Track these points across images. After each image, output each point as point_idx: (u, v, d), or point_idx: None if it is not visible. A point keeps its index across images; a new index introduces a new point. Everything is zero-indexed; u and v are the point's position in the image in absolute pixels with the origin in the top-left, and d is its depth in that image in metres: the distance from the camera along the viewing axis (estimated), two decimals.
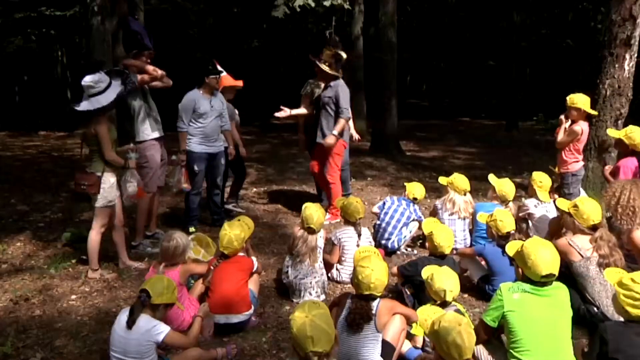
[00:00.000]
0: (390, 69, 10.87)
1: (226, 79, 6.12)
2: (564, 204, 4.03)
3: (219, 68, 5.67)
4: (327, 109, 5.87)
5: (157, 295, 3.02)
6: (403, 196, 5.55)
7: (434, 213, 5.45)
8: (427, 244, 4.17)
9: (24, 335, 3.66)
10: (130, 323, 2.93)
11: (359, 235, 4.59)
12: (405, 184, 5.81)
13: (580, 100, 5.18)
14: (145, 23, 10.12)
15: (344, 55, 5.93)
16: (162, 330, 2.98)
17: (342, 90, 5.78)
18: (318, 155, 6.14)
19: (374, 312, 3.04)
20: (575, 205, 3.84)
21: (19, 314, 3.97)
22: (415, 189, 5.52)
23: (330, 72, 5.82)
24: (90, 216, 6.33)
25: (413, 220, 5.30)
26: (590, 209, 3.77)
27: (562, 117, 5.43)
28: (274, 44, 21.24)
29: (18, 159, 10.61)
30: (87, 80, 4.25)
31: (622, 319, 2.81)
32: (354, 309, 3.03)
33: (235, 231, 3.86)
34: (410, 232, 5.29)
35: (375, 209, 5.47)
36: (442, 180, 5.64)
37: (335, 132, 5.79)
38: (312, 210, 4.27)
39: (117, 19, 9.39)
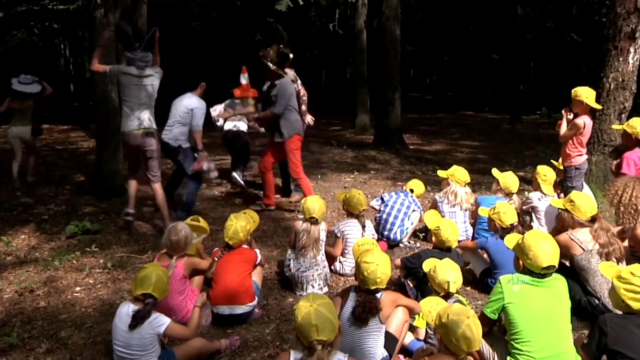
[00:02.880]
0: (394, 62, 10.82)
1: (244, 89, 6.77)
2: (559, 202, 4.05)
3: (246, 77, 6.25)
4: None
5: (161, 293, 3.05)
6: (400, 189, 5.57)
7: (434, 206, 5.44)
8: (433, 239, 4.14)
9: (29, 326, 3.70)
10: (134, 327, 2.93)
11: (363, 227, 4.60)
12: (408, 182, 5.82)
13: (584, 94, 5.12)
14: (148, 16, 10.10)
15: (291, 55, 5.91)
16: (163, 322, 3.00)
17: (282, 88, 5.83)
18: (273, 152, 6.20)
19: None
20: (571, 201, 3.85)
21: (24, 306, 4.00)
22: (414, 184, 5.55)
23: (275, 70, 5.82)
24: (92, 210, 6.37)
25: (414, 210, 5.31)
26: (585, 201, 3.80)
27: (564, 111, 5.41)
28: (277, 38, 21.19)
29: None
30: (29, 77, 7.26)
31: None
32: (362, 302, 3.01)
33: (241, 222, 3.87)
34: (412, 224, 5.30)
35: (374, 203, 5.47)
36: (442, 173, 5.64)
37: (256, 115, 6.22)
38: (313, 202, 4.29)
39: (120, 11, 9.37)
